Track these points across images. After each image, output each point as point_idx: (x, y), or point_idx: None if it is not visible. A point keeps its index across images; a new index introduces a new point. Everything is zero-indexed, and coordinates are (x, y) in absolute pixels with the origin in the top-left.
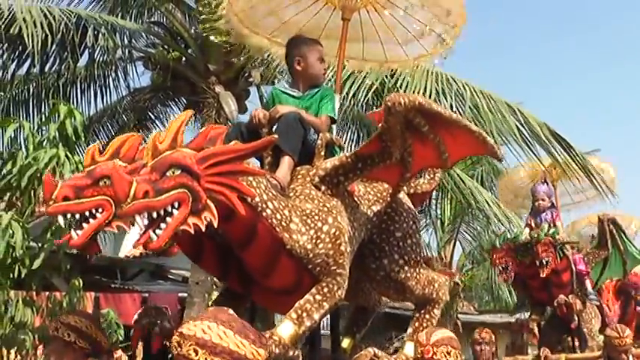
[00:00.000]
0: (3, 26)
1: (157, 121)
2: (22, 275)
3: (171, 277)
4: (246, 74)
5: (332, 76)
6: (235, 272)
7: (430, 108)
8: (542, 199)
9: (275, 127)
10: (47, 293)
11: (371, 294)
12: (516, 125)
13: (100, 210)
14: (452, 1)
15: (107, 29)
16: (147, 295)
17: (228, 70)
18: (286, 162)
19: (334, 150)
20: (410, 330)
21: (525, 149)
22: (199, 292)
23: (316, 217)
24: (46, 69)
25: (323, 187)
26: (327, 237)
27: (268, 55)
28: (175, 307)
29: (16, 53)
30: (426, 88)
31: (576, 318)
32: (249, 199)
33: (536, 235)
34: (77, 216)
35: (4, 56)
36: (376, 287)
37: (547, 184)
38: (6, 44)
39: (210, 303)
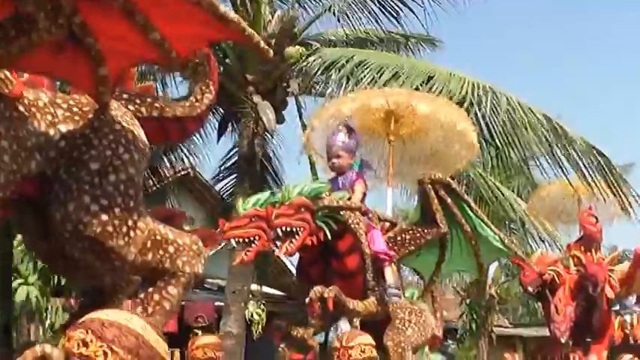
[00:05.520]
0: None
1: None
2: (62, 283)
3: (206, 286)
4: (284, 84)
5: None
6: None
7: None
8: (338, 156)
9: None
10: None
11: (97, 267)
12: (550, 138)
13: None
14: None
15: None
16: (183, 303)
17: (267, 80)
18: None
19: None
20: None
21: (560, 164)
22: (236, 300)
23: None
24: None
25: None
26: None
27: (306, 65)
28: (212, 316)
29: None
30: (461, 93)
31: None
32: None
33: (272, 197)
34: None
35: None
36: (70, 250)
37: (350, 132)
38: None
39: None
